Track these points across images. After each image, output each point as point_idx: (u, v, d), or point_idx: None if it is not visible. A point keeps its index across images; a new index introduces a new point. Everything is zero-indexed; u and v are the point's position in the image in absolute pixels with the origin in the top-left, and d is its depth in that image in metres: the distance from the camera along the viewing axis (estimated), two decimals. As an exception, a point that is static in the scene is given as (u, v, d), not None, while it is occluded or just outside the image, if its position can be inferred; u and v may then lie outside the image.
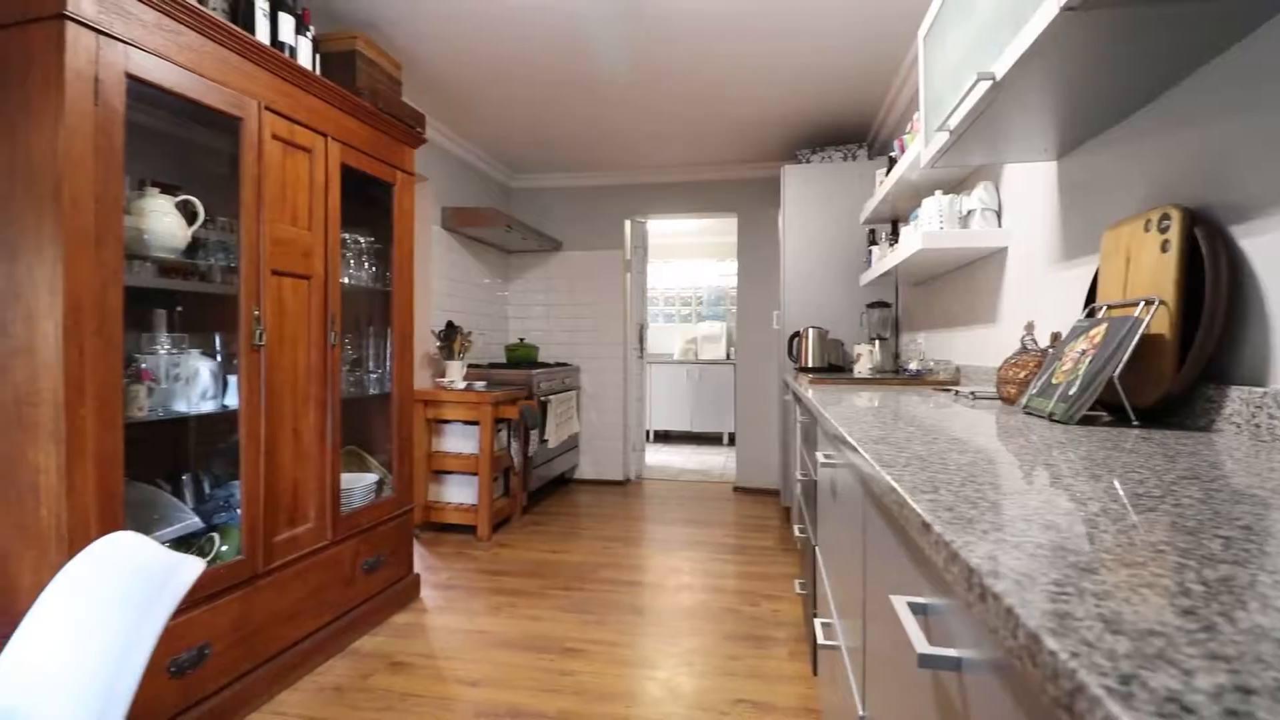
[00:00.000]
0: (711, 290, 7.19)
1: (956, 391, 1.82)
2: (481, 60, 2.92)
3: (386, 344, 2.53)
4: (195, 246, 1.75)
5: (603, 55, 2.84)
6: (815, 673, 1.88)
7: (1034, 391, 1.28)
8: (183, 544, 1.69)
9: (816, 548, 1.73)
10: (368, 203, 2.46)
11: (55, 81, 1.36)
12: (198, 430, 2.07)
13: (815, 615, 1.75)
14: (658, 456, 5.89)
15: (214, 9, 1.75)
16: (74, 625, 0.73)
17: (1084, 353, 1.19)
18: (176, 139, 1.98)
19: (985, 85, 1.22)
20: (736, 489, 4.54)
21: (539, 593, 2.66)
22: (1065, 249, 1.64)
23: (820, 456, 1.34)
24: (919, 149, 2.11)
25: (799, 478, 2.25)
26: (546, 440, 3.90)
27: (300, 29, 2.03)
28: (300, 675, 1.95)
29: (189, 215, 1.70)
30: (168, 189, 1.71)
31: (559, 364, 4.54)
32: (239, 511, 1.80)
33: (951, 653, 0.48)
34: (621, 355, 4.74)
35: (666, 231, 6.81)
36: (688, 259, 7.23)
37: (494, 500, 3.41)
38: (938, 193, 2.15)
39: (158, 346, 1.66)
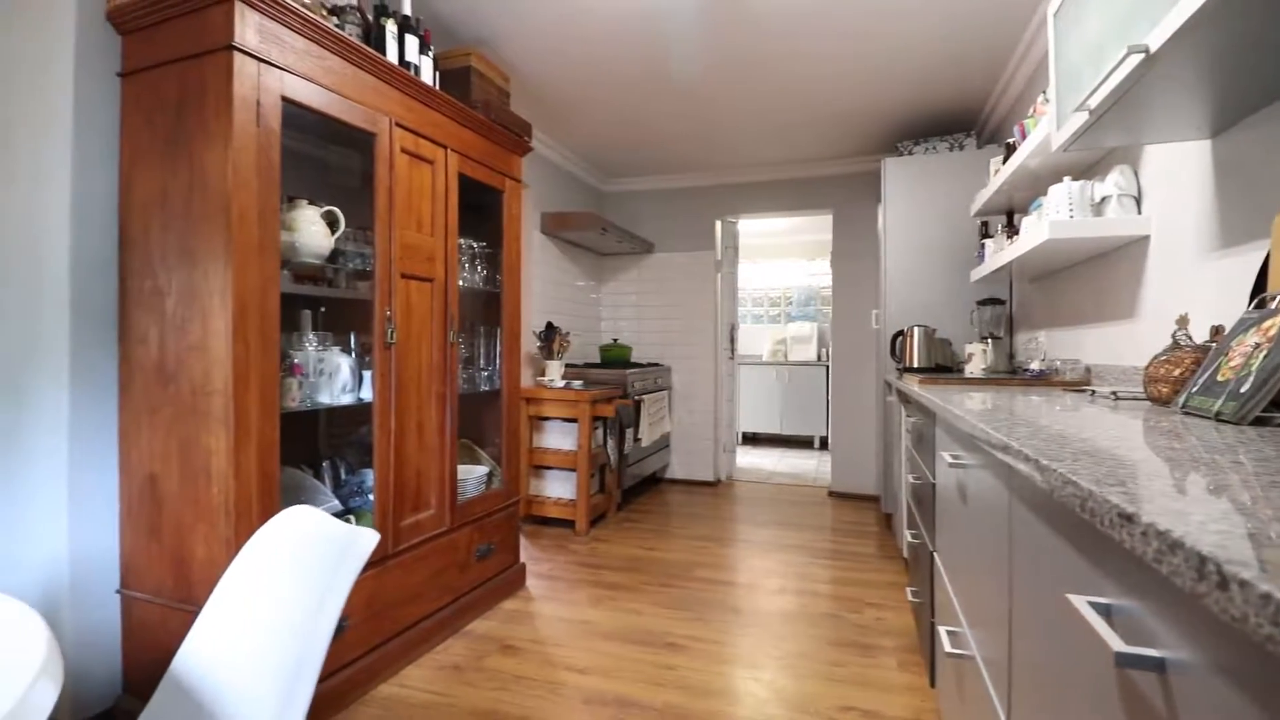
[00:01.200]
0: (801, 290, 7.03)
1: (1093, 391, 1.69)
2: (581, 69, 3.01)
3: (495, 343, 2.66)
4: (335, 253, 1.91)
5: (694, 57, 2.86)
6: (933, 684, 1.80)
7: (1194, 390, 1.17)
8: (323, 525, 1.85)
9: (935, 554, 1.66)
10: (478, 209, 2.59)
11: (225, 106, 1.53)
12: (334, 421, 2.26)
13: (934, 624, 1.68)
14: (747, 459, 5.82)
15: (350, 34, 1.91)
16: (269, 587, 0.82)
17: (1257, 346, 1.07)
18: (311, 156, 2.18)
19: (1136, 59, 1.13)
20: (831, 494, 4.41)
21: (637, 588, 2.70)
22: (1222, 236, 1.49)
23: (946, 457, 1.29)
24: (1045, 133, 1.98)
25: (910, 481, 2.16)
26: (640, 439, 3.95)
27: (423, 49, 2.17)
28: (422, 652, 2.09)
29: (331, 224, 1.86)
30: (311, 202, 1.88)
31: (651, 364, 4.59)
32: (371, 496, 1.95)
33: (1153, 653, 0.46)
34: (712, 356, 4.73)
35: (754, 231, 6.73)
36: (776, 259, 7.11)
37: (591, 496, 3.49)
38: (1067, 179, 2.01)
39: (305, 344, 1.82)
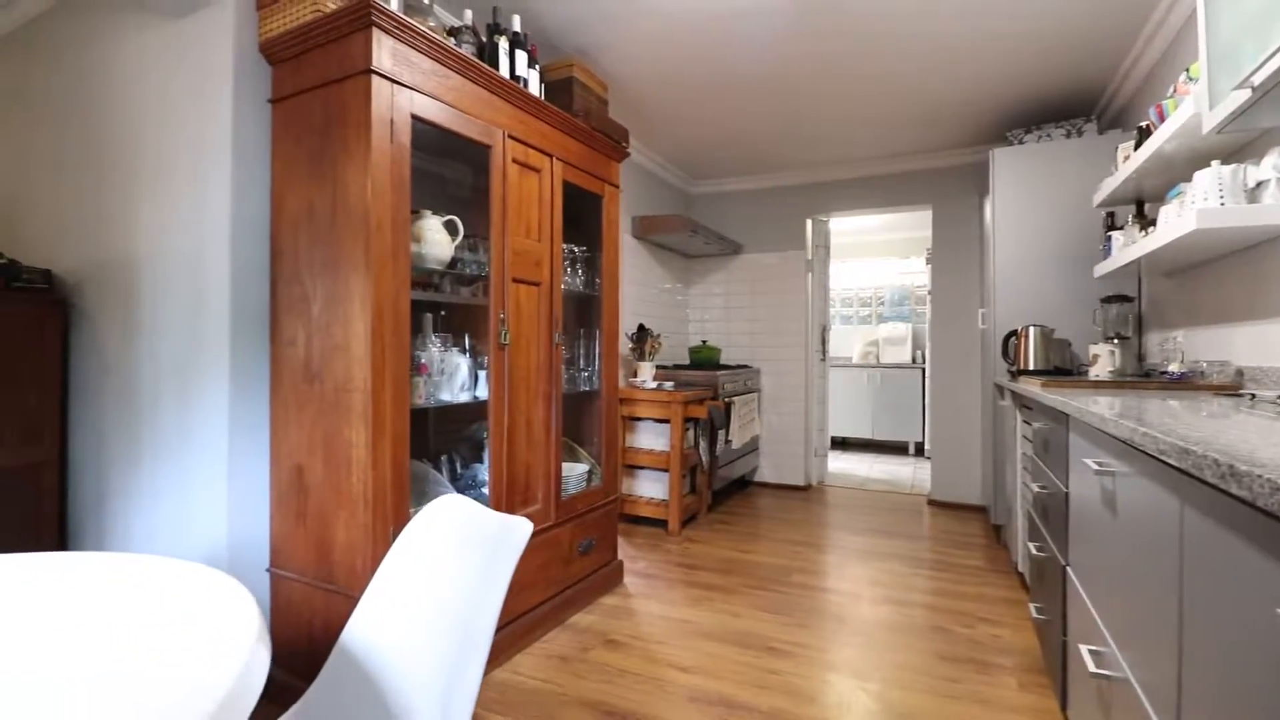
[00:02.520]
0: (894, 290, 6.76)
1: (1251, 396, 1.53)
2: (674, 74, 3.04)
3: (594, 344, 2.73)
4: (453, 260, 2.03)
5: (790, 54, 2.82)
6: (1064, 707, 1.69)
7: (1395, 395, 1.05)
8: (443, 516, 1.96)
9: (1068, 568, 1.56)
10: (578, 214, 2.67)
11: (364, 125, 1.66)
12: (446, 418, 2.39)
13: (1067, 643, 1.57)
14: (838, 464, 5.66)
15: (467, 52, 2.02)
16: (431, 574, 0.88)
17: None
18: (428, 170, 2.31)
19: (1322, 28, 1.02)
20: (931, 502, 4.21)
21: (734, 590, 2.69)
22: None
23: (1090, 465, 1.21)
24: (1189, 114, 1.82)
25: (1035, 490, 2.03)
26: (730, 441, 3.93)
27: (531, 62, 2.26)
28: (530, 642, 2.17)
29: (451, 233, 1.97)
30: (434, 212, 2.00)
31: (740, 366, 4.56)
32: (484, 490, 2.05)
33: None
34: (803, 358, 4.64)
35: (844, 230, 6.54)
36: (866, 258, 6.88)
37: (682, 497, 3.51)
38: (1215, 163, 1.83)
39: (430, 345, 1.94)
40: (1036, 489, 2.00)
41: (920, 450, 6.17)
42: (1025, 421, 2.49)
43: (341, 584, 1.69)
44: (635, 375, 3.76)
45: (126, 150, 2.12)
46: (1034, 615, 2.03)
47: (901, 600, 2.60)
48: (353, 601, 1.66)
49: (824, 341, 4.88)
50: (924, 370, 6.09)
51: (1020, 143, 3.38)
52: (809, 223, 4.67)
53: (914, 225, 6.26)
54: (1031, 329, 2.89)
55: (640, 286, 4.21)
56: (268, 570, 1.86)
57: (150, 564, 0.88)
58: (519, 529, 0.82)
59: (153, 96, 2.04)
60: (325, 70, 1.73)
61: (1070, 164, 3.12)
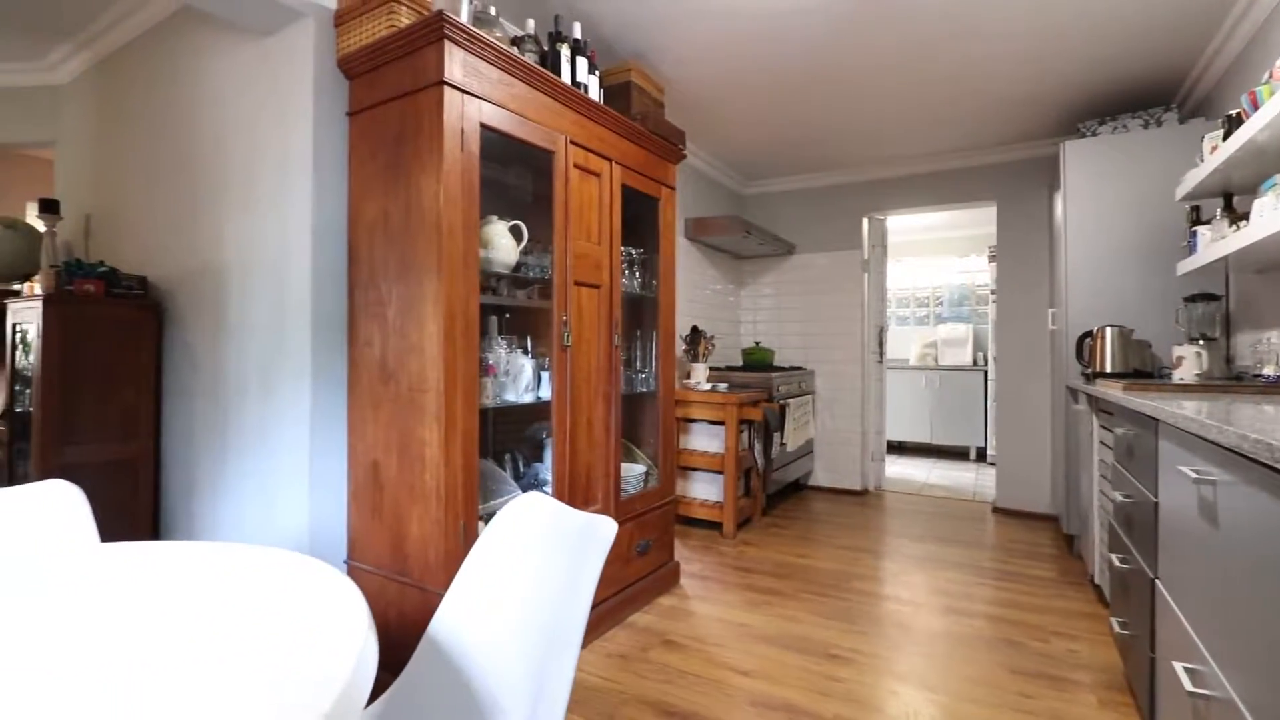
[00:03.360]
0: (954, 289, 6.55)
1: (1367, 402, 1.43)
2: (731, 74, 3.03)
3: (650, 346, 2.74)
4: (518, 264, 2.07)
5: (851, 48, 2.77)
6: (1149, 727, 1.61)
7: None
8: (507, 513, 2.01)
9: (1157, 581, 1.48)
10: (635, 217, 2.69)
11: (436, 134, 1.71)
12: (510, 417, 2.45)
13: (1155, 660, 1.50)
14: (895, 468, 5.52)
15: (530, 60, 2.06)
16: (518, 572, 0.91)
17: None
18: (492, 177, 2.37)
19: None
20: (997, 509, 4.06)
21: (792, 594, 2.65)
22: None
23: (1188, 473, 1.15)
24: (1293, 101, 1.71)
25: (1118, 499, 1.94)
26: (785, 444, 3.88)
27: (591, 68, 2.30)
28: (591, 640, 2.20)
29: (517, 237, 2.02)
30: (500, 218, 2.05)
31: (794, 368, 4.50)
32: (546, 488, 2.09)
33: None
34: (859, 359, 4.55)
35: (901, 228, 6.37)
36: (923, 256, 6.68)
37: (737, 499, 3.49)
38: (1320, 153, 1.72)
39: (496, 346, 2.00)
40: (1119, 498, 1.91)
41: (982, 455, 5.95)
42: (1104, 427, 2.37)
43: (415, 577, 1.76)
44: (689, 377, 3.76)
45: (216, 163, 2.25)
46: (1115, 630, 1.94)
47: (967, 610, 2.52)
48: (427, 594, 1.72)
49: (881, 343, 4.77)
50: (986, 373, 5.88)
51: (1093, 134, 3.23)
52: (865, 221, 4.58)
53: (976, 222, 6.04)
54: (1108, 329, 2.76)
55: (692, 288, 4.21)
56: (345, 563, 1.94)
57: (257, 554, 0.94)
58: (604, 527, 0.83)
59: (240, 111, 2.16)
60: (399, 83, 1.80)
61: (1149, 155, 2.96)
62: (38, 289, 2.30)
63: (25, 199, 4.18)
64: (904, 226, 6.32)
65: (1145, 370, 2.77)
